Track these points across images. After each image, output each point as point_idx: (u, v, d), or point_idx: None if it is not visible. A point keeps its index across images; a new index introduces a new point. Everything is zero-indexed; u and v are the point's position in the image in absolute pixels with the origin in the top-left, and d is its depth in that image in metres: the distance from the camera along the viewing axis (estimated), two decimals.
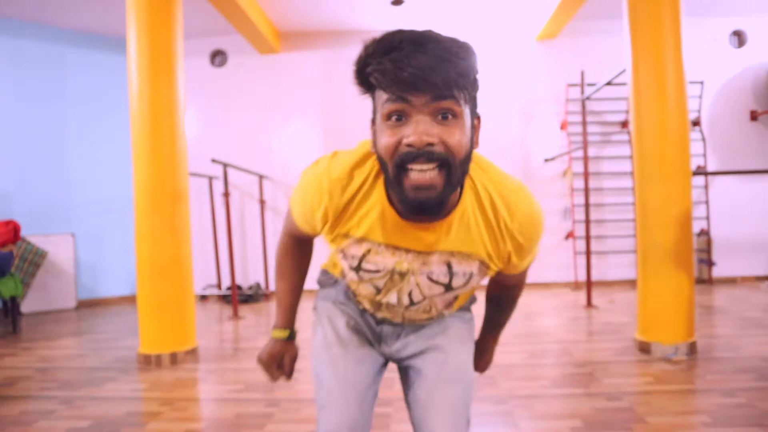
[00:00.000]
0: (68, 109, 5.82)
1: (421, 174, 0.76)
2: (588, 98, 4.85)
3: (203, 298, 6.18)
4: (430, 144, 0.75)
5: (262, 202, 6.02)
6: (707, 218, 5.91)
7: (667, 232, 3.03)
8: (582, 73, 5.01)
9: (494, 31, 6.13)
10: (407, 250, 0.92)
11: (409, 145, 0.76)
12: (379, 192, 0.89)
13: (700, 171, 5.44)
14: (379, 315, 1.10)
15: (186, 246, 3.37)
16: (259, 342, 3.85)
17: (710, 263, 5.84)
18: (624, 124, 5.99)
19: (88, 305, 5.86)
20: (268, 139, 6.28)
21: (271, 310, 5.31)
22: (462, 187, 0.88)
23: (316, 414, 1.11)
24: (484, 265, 0.95)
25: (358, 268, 0.97)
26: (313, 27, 6.12)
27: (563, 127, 6.04)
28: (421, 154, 0.75)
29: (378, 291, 1.01)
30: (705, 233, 5.91)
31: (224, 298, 5.95)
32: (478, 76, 0.84)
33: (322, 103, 6.22)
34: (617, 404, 2.34)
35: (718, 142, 6.05)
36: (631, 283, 5.87)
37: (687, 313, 3.06)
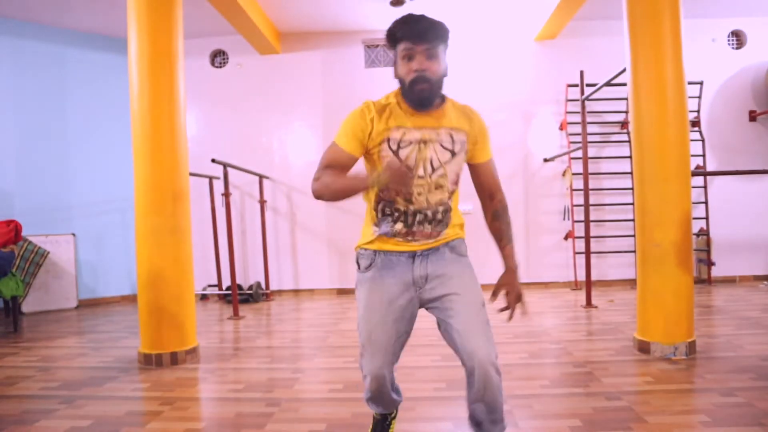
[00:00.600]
0: (69, 110, 5.83)
1: (420, 84, 1.46)
2: (587, 98, 4.85)
3: (203, 297, 6.19)
4: (423, 70, 1.46)
5: (262, 202, 6.03)
6: (706, 218, 5.92)
7: (667, 232, 3.04)
8: (581, 74, 5.02)
9: (494, 31, 6.14)
10: (425, 127, 1.52)
11: (415, 71, 1.46)
12: (398, 101, 1.55)
13: (700, 171, 5.45)
14: (413, 208, 1.53)
15: (186, 246, 3.38)
16: (259, 342, 3.86)
17: (709, 263, 5.85)
18: (623, 125, 6.00)
19: (89, 305, 5.87)
20: (268, 139, 6.28)
21: (271, 309, 5.32)
22: (444, 98, 1.58)
23: (361, 357, 1.60)
24: (467, 140, 1.57)
25: (398, 149, 1.50)
26: (314, 27, 6.13)
27: (563, 127, 6.05)
28: (420, 75, 1.46)
29: (409, 170, 1.46)
30: (704, 233, 5.92)
31: (224, 298, 5.96)
32: (449, 36, 1.54)
33: (322, 103, 6.23)
34: (617, 404, 2.34)
35: (717, 143, 6.06)
36: (631, 283, 5.88)
37: (686, 313, 3.07)
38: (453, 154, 1.54)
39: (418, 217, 1.54)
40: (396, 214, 1.54)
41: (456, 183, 1.58)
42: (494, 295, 1.57)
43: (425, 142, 1.51)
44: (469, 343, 1.44)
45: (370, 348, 1.55)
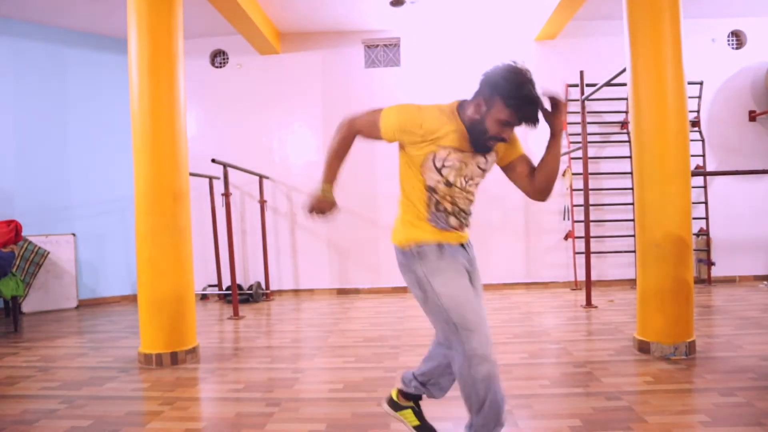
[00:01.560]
0: (69, 110, 5.83)
1: (494, 142, 1.61)
2: (587, 98, 4.85)
3: (204, 297, 6.19)
4: (506, 139, 1.60)
5: (262, 202, 6.03)
6: (706, 218, 5.92)
7: (667, 232, 3.04)
8: (581, 74, 5.02)
9: (494, 31, 6.14)
10: (466, 152, 1.64)
11: (500, 136, 1.57)
12: (456, 121, 1.62)
13: (699, 171, 5.45)
14: (457, 207, 1.70)
15: (186, 246, 3.38)
16: (259, 342, 3.86)
17: (709, 263, 5.85)
18: (623, 125, 6.00)
19: (89, 305, 5.87)
20: (268, 139, 6.28)
21: (271, 309, 5.32)
22: None
23: (462, 336, 1.56)
24: (495, 155, 1.71)
25: (441, 168, 1.62)
26: (314, 27, 6.13)
27: (563, 127, 6.05)
28: (501, 139, 1.58)
29: (449, 184, 1.65)
30: (704, 233, 5.92)
31: (224, 298, 5.96)
32: None
33: (322, 103, 6.23)
34: (616, 404, 2.35)
35: (716, 143, 6.06)
36: (631, 283, 5.88)
37: (686, 313, 3.07)
38: (484, 172, 1.72)
39: (462, 215, 1.72)
40: (446, 211, 1.69)
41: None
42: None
43: (465, 164, 1.65)
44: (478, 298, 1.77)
45: (479, 322, 1.57)
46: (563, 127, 1.64)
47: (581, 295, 5.32)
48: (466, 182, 1.69)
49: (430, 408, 2.38)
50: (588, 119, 5.22)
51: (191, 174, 4.17)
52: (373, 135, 1.67)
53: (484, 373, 1.53)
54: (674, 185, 3.04)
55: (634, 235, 5.18)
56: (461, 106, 1.64)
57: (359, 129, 1.69)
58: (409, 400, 1.98)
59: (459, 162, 1.63)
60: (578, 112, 5.77)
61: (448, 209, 1.69)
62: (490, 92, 1.53)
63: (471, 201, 1.75)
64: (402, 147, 1.68)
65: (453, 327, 1.58)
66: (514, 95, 1.48)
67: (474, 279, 1.78)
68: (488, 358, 1.54)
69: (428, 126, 1.58)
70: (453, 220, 1.70)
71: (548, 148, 1.64)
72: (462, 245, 1.76)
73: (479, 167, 1.69)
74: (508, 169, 1.75)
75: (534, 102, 1.50)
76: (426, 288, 1.65)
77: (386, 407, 2.02)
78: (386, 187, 6.05)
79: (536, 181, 1.69)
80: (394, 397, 2.00)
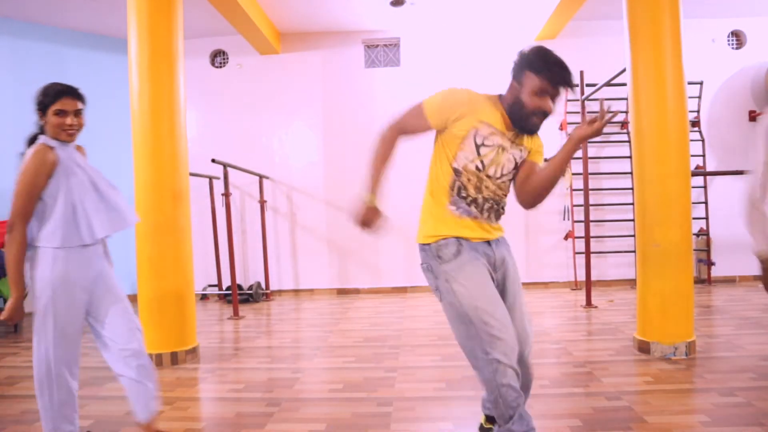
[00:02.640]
0: None
1: (539, 120, 1.61)
2: (587, 98, 4.85)
3: (204, 297, 6.19)
4: (549, 112, 1.61)
5: (262, 202, 6.03)
6: (706, 218, 5.92)
7: (667, 232, 3.04)
8: (581, 74, 5.02)
9: (494, 31, 6.14)
10: (507, 135, 1.64)
11: (542, 109, 1.59)
12: (499, 108, 1.65)
13: (699, 171, 5.45)
14: (482, 196, 1.64)
15: (186, 246, 3.38)
16: (259, 342, 3.86)
17: (709, 263, 5.85)
18: (623, 125, 6.00)
19: None
20: (268, 139, 6.28)
21: (271, 309, 5.32)
22: None
23: (485, 342, 1.51)
24: (527, 155, 1.70)
25: (481, 145, 1.60)
26: (313, 27, 6.13)
27: (563, 127, 6.05)
28: (545, 114, 1.61)
29: (480, 168, 1.61)
30: (704, 233, 5.92)
31: (224, 298, 5.96)
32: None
33: (322, 103, 6.23)
34: (616, 404, 2.35)
35: (716, 143, 6.06)
36: (631, 283, 5.88)
37: (686, 313, 3.07)
38: (516, 167, 1.69)
39: (486, 206, 1.65)
40: (469, 198, 1.63)
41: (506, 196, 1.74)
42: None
43: (504, 149, 1.63)
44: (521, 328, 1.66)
45: (501, 327, 1.52)
46: (582, 135, 1.57)
47: (581, 295, 5.32)
48: (499, 174, 1.64)
49: (430, 408, 2.38)
50: (588, 119, 5.22)
51: (191, 174, 4.16)
52: (418, 126, 1.65)
53: (510, 381, 1.51)
54: (674, 185, 3.04)
55: (634, 235, 5.18)
56: (500, 97, 1.67)
57: (402, 126, 1.67)
58: (494, 422, 1.86)
59: (498, 145, 1.61)
60: (578, 112, 5.78)
61: (471, 195, 1.63)
62: (520, 70, 1.58)
63: (501, 195, 1.69)
64: (441, 133, 1.65)
65: (474, 331, 1.53)
66: (542, 61, 1.55)
67: (506, 281, 1.69)
68: (514, 366, 1.51)
69: (474, 100, 1.61)
70: (474, 209, 1.63)
71: (560, 151, 1.60)
72: (488, 242, 1.68)
73: (515, 159, 1.66)
74: (518, 165, 1.71)
75: (561, 64, 1.56)
76: (442, 287, 1.61)
77: None
78: (386, 187, 6.04)
79: (531, 183, 1.66)
80: (483, 423, 1.92)
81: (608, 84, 4.14)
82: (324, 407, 2.45)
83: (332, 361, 3.26)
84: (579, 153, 5.79)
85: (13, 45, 5.52)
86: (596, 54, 5.94)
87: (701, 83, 5.87)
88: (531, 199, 1.67)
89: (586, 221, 4.87)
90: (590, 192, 5.63)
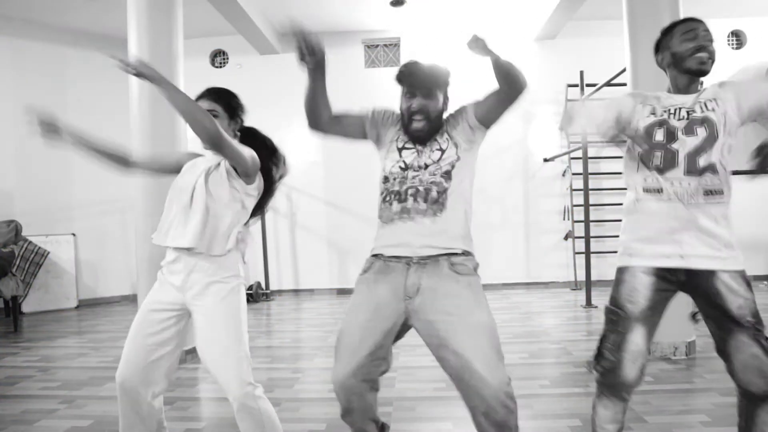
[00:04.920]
0: (68, 109, 5.82)
1: (417, 123, 1.59)
2: (588, 98, 4.85)
3: None
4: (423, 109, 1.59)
5: None
6: None
7: None
8: (581, 74, 5.02)
9: (494, 31, 6.13)
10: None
11: (411, 108, 1.59)
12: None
13: None
14: (406, 186, 1.54)
15: None
16: (259, 342, 3.86)
17: None
18: None
19: (89, 305, 5.87)
20: None
21: (271, 309, 5.32)
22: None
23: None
24: (461, 140, 1.60)
25: (402, 148, 1.61)
26: (314, 27, 6.07)
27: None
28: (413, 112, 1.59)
29: (404, 167, 1.57)
30: None
31: None
32: (450, 81, 1.68)
33: None
34: None
35: None
36: None
37: (686, 313, 3.06)
38: (443, 152, 1.58)
39: (410, 191, 1.53)
40: (392, 195, 1.56)
41: (452, 165, 1.56)
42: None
43: (420, 152, 1.60)
44: (471, 368, 1.32)
45: (341, 350, 1.44)
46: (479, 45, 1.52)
47: (581, 295, 5.32)
48: (423, 164, 1.56)
49: (430, 408, 2.38)
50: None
51: None
52: (353, 116, 1.77)
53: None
54: None
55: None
56: None
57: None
58: None
59: (416, 149, 1.61)
60: None
61: (395, 191, 1.55)
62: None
63: (438, 182, 1.53)
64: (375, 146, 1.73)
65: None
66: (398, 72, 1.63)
67: (428, 313, 1.42)
68: (342, 386, 1.42)
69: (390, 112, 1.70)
70: (396, 206, 1.52)
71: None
72: (409, 262, 1.47)
73: (436, 149, 1.59)
74: (490, 116, 1.61)
75: (405, 64, 1.64)
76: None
77: None
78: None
79: (499, 88, 1.58)
80: None
81: (608, 84, 4.14)
82: (324, 407, 2.44)
83: (332, 361, 3.25)
84: (579, 153, 5.79)
85: (13, 45, 5.52)
86: (596, 54, 5.93)
87: (701, 83, 5.86)
88: (510, 86, 1.57)
89: (586, 221, 4.87)
90: (590, 192, 5.63)
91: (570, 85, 5.96)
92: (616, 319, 1.52)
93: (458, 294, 1.42)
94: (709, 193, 1.47)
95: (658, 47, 1.71)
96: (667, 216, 1.48)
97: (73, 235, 5.78)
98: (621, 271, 1.56)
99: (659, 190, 1.50)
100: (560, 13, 5.34)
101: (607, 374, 1.50)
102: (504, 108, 1.59)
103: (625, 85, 3.42)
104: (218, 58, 6.40)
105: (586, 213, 4.87)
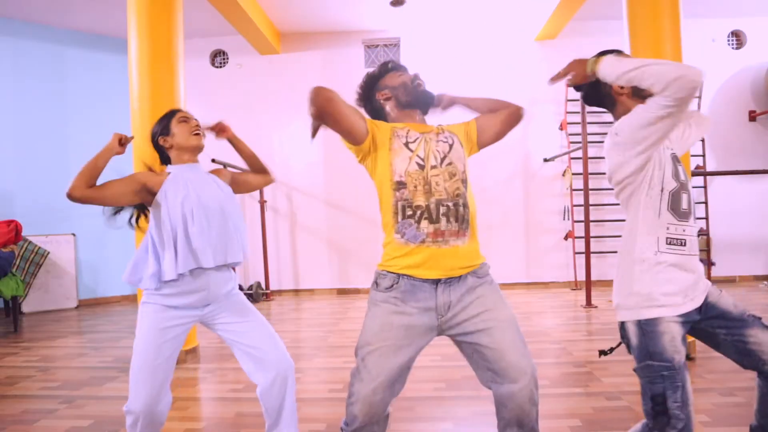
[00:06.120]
0: (69, 109, 5.83)
1: (423, 85, 1.66)
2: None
3: None
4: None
5: (262, 202, 6.03)
6: (706, 218, 5.91)
7: None
8: None
9: (494, 31, 6.14)
10: (423, 130, 1.56)
11: (404, 82, 1.66)
12: (399, 121, 1.63)
13: (699, 171, 5.45)
14: (434, 199, 1.43)
15: None
16: None
17: (709, 263, 5.85)
18: None
19: (89, 305, 5.87)
20: (268, 139, 6.28)
21: (271, 309, 5.32)
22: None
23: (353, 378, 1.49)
24: (460, 138, 1.57)
25: (407, 143, 1.49)
26: (313, 27, 6.13)
27: (563, 127, 6.05)
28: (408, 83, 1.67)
29: (422, 163, 1.46)
30: (704, 233, 5.92)
31: None
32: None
33: None
34: (616, 404, 2.35)
35: (716, 143, 6.06)
36: None
37: None
38: (451, 147, 1.53)
39: (442, 210, 1.43)
40: (418, 211, 1.42)
41: (464, 173, 1.51)
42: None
43: (428, 140, 1.52)
44: (506, 359, 1.39)
45: (373, 370, 1.41)
46: (447, 101, 1.68)
47: (581, 295, 5.32)
48: (439, 160, 1.47)
49: (430, 408, 2.38)
50: (588, 119, 5.22)
51: None
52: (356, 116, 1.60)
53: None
54: None
55: None
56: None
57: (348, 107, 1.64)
58: None
59: (419, 136, 1.51)
60: (578, 112, 5.77)
61: (421, 206, 1.42)
62: (376, 87, 1.77)
63: (455, 190, 1.45)
64: (368, 152, 1.54)
65: (356, 366, 1.47)
66: (376, 70, 1.78)
67: (471, 322, 1.42)
68: (371, 403, 1.42)
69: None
70: (426, 225, 1.41)
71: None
72: (437, 282, 1.42)
73: (444, 141, 1.51)
74: (486, 137, 1.64)
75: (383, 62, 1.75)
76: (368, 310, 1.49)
77: None
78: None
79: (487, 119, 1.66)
80: None
81: None
82: (324, 407, 2.44)
83: (332, 361, 3.26)
84: (579, 153, 5.79)
85: (13, 45, 5.52)
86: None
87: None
88: (504, 116, 1.67)
89: (586, 221, 4.87)
90: (590, 192, 5.63)
91: (570, 85, 5.95)
92: (671, 374, 1.37)
93: (483, 294, 1.46)
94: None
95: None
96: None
97: (73, 235, 5.78)
98: (652, 321, 1.39)
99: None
100: (560, 13, 5.34)
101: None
102: (506, 129, 1.67)
103: None
104: (218, 58, 6.40)
105: (586, 213, 4.88)
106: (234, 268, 1.86)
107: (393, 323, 1.42)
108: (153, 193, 1.70)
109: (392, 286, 1.44)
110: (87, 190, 1.56)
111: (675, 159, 1.42)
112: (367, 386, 1.41)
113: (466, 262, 1.46)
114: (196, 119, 1.95)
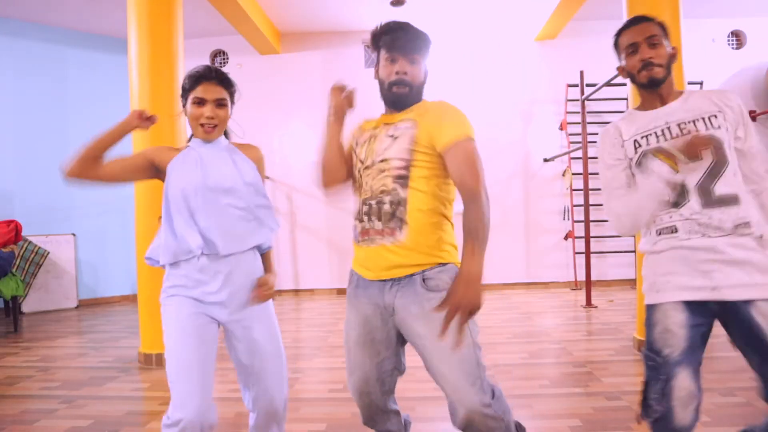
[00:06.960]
0: (69, 109, 5.83)
1: (397, 88, 1.47)
2: (587, 98, 4.85)
3: None
4: (404, 73, 1.47)
5: None
6: None
7: None
8: (581, 74, 5.02)
9: (494, 31, 6.14)
10: (379, 124, 1.53)
11: (396, 73, 1.47)
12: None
13: None
14: (361, 200, 1.46)
15: None
16: None
17: None
18: None
19: (89, 305, 5.87)
20: (268, 139, 6.28)
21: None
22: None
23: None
24: (413, 125, 1.41)
25: (356, 145, 1.55)
26: (313, 27, 6.13)
27: (563, 127, 6.05)
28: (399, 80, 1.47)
29: (359, 167, 1.48)
30: None
31: None
32: (430, 48, 1.55)
33: (322, 103, 6.19)
34: (616, 404, 2.35)
35: None
36: (630, 283, 5.88)
37: None
38: (395, 139, 1.41)
39: (365, 209, 1.42)
40: (356, 212, 1.48)
41: (406, 168, 1.37)
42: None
43: (375, 137, 1.49)
44: (446, 390, 1.32)
45: (349, 365, 1.51)
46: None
47: (581, 295, 5.32)
48: (370, 161, 1.44)
49: (430, 408, 2.38)
50: (588, 119, 5.22)
51: None
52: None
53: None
54: None
55: (634, 235, 5.18)
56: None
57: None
58: None
59: (369, 136, 1.50)
60: (578, 112, 5.77)
61: (357, 206, 1.48)
62: (373, 53, 1.59)
63: (378, 189, 1.39)
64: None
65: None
66: (373, 37, 1.57)
67: (409, 334, 1.37)
68: (360, 393, 1.53)
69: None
70: (357, 224, 1.46)
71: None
72: (382, 283, 1.39)
73: (390, 136, 1.43)
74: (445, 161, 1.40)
75: (384, 28, 1.55)
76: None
77: None
78: None
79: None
80: None
81: (608, 84, 4.14)
82: (324, 407, 2.44)
83: (332, 361, 3.26)
84: (579, 153, 5.80)
85: (13, 45, 5.52)
86: (596, 54, 5.93)
87: (701, 83, 5.87)
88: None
89: (586, 221, 4.87)
90: (590, 192, 5.63)
91: (570, 85, 5.96)
92: (655, 365, 1.36)
93: (428, 316, 1.31)
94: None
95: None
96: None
97: (73, 235, 5.78)
98: (650, 309, 1.41)
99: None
100: (560, 13, 5.34)
101: (659, 423, 1.36)
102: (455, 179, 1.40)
103: (625, 85, 3.42)
104: (218, 58, 6.40)
105: (586, 213, 4.87)
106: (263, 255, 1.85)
107: (351, 319, 1.50)
108: (162, 170, 1.54)
109: (350, 280, 1.57)
110: (83, 164, 1.40)
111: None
112: (355, 383, 1.50)
113: (398, 260, 1.35)
114: (217, 106, 1.59)
